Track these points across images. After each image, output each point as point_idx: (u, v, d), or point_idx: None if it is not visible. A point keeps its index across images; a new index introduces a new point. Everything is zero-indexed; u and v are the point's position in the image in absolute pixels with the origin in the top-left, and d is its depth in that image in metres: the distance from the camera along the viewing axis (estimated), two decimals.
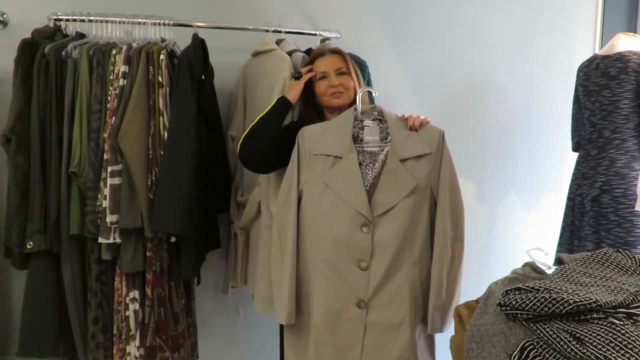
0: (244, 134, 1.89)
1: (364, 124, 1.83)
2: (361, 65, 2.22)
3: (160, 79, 1.92)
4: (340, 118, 1.85)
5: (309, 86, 1.97)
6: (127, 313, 1.93)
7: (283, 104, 1.91)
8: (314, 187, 1.78)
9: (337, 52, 1.99)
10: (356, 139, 1.82)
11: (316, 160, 1.79)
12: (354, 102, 1.88)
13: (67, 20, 2.04)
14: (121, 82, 1.89)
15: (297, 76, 1.94)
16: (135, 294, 1.94)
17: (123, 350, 1.93)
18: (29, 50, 1.92)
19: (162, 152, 1.92)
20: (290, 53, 2.14)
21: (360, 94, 1.86)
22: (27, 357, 1.96)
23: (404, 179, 1.75)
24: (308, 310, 1.81)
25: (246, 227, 2.21)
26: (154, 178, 1.91)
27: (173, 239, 1.97)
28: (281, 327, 1.99)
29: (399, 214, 1.75)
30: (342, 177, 1.76)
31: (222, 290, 2.36)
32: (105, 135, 1.88)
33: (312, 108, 1.99)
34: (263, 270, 2.06)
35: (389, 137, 1.81)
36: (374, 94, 1.96)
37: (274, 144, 1.86)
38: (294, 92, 1.92)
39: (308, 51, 2.23)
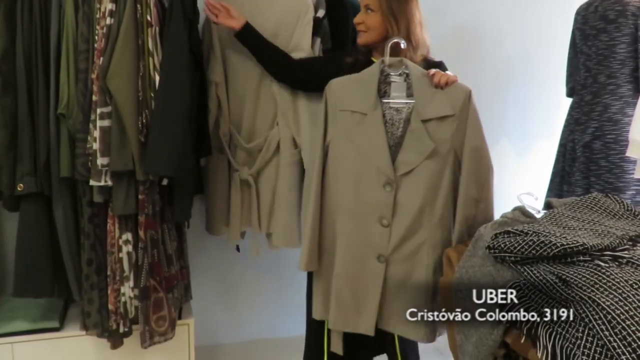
0: None
1: (391, 79, 1.78)
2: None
3: (149, 18, 1.85)
4: (367, 71, 1.80)
5: None
6: (120, 255, 1.94)
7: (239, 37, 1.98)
8: (340, 143, 1.80)
9: None
10: (384, 94, 1.78)
11: (342, 116, 1.79)
12: (379, 43, 1.83)
13: None
14: (108, 20, 1.82)
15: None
16: (128, 236, 1.95)
17: (117, 290, 1.96)
18: None
19: (152, 94, 1.88)
20: None
21: (389, 46, 1.77)
22: (22, 297, 1.99)
23: (424, 141, 1.73)
24: (333, 260, 1.86)
25: (260, 170, 2.17)
26: (144, 120, 1.88)
27: (165, 182, 1.96)
28: (309, 274, 2.02)
29: (421, 176, 1.74)
30: (367, 135, 1.76)
31: (231, 242, 2.28)
32: (94, 76, 1.84)
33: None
34: (283, 206, 2.09)
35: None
36: (402, 46, 1.80)
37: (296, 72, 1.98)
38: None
39: None
